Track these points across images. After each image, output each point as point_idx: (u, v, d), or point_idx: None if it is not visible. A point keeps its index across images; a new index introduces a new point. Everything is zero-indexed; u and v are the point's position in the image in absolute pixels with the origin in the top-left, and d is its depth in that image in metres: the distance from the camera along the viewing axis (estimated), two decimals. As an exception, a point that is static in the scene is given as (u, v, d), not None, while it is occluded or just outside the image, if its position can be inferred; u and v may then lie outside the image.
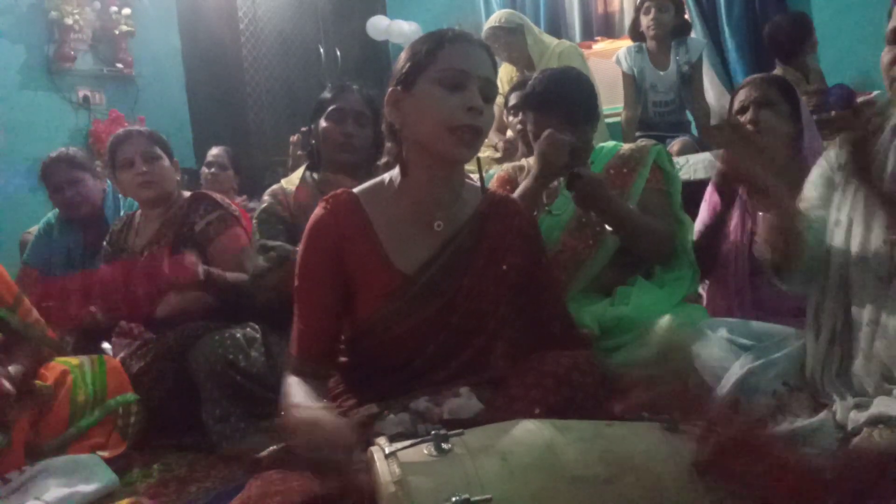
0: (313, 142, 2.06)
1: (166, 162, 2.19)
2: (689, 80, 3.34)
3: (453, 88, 1.19)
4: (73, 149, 2.80)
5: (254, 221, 2.10)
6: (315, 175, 2.08)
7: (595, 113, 1.88)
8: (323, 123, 2.00)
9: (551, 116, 1.76)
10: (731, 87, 4.12)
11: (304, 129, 2.81)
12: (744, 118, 1.87)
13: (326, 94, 2.04)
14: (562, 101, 1.78)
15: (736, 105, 1.91)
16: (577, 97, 1.81)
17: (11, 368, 1.63)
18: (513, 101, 2.59)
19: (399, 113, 1.24)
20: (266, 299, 1.90)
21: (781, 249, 1.30)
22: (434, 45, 1.21)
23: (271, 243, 1.93)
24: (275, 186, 2.11)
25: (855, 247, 1.26)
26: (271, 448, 1.18)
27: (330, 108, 2.00)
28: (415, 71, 1.21)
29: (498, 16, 3.42)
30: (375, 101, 2.06)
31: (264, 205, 2.06)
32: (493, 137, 3.34)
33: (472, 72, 1.20)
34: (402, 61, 1.25)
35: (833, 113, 2.85)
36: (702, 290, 2.06)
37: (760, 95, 1.85)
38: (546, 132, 1.69)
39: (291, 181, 2.10)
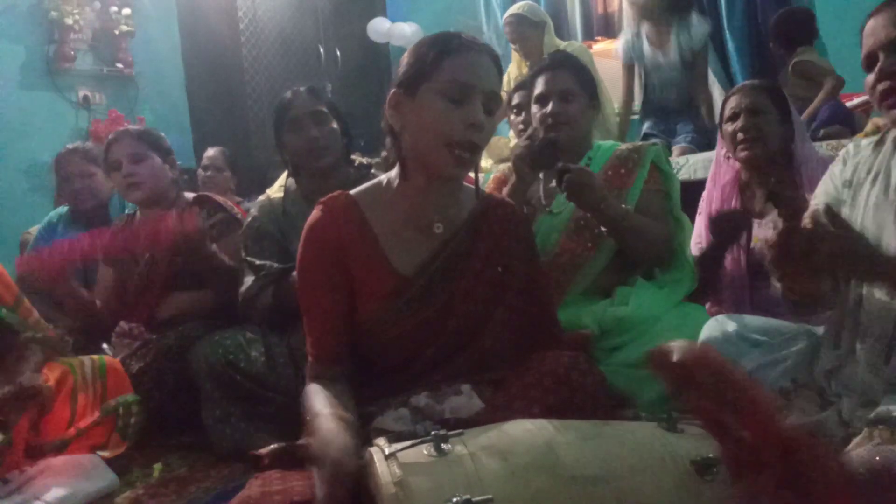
0: (284, 154, 2.03)
1: (156, 161, 2.17)
2: (692, 67, 3.29)
3: (456, 101, 1.17)
4: (89, 144, 2.90)
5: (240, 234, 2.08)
6: (297, 183, 2.06)
7: (596, 97, 1.94)
8: (287, 136, 1.99)
9: (562, 75, 1.86)
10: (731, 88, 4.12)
11: None
12: (734, 125, 1.88)
13: (281, 105, 2.02)
14: (572, 64, 1.90)
15: (727, 112, 1.92)
16: (585, 68, 1.94)
17: (9, 370, 1.62)
18: (516, 100, 2.59)
19: (400, 116, 1.22)
20: (259, 318, 1.91)
21: (809, 297, 1.29)
22: (440, 53, 1.18)
23: (258, 261, 1.93)
24: (261, 198, 2.10)
25: None
26: (271, 448, 1.18)
27: (288, 119, 1.99)
28: (419, 77, 1.19)
29: (522, 5, 3.46)
30: (326, 94, 2.08)
31: (250, 219, 2.04)
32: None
33: (477, 85, 1.18)
34: (406, 63, 1.22)
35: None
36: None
37: (751, 103, 1.86)
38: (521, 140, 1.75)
39: (275, 190, 2.09)
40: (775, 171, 1.84)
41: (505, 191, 1.72)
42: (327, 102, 2.03)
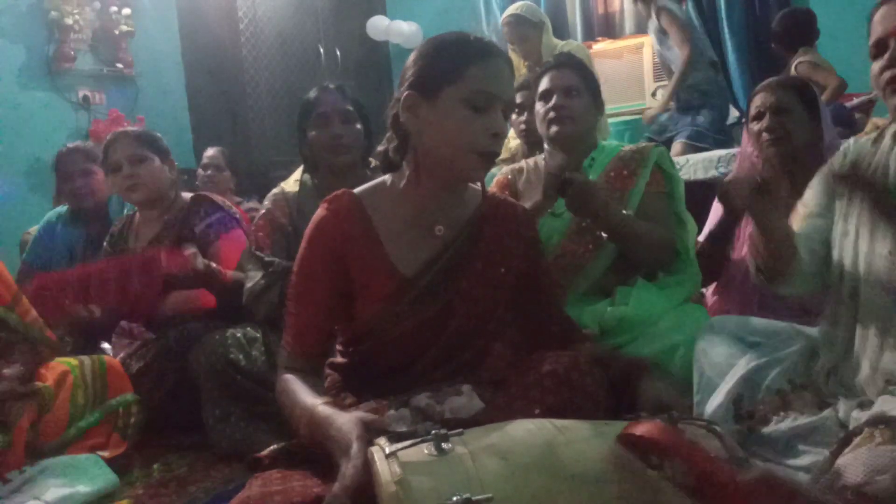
0: (305, 148, 2.05)
1: (156, 162, 2.17)
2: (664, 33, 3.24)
3: (479, 110, 1.17)
4: (89, 143, 2.92)
5: (252, 226, 2.09)
6: (313, 178, 2.07)
7: (599, 98, 1.94)
8: (311, 131, 2.00)
9: (567, 72, 1.88)
10: (730, 91, 4.10)
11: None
12: (760, 125, 1.84)
13: (309, 100, 2.04)
14: (578, 64, 1.92)
15: (752, 111, 1.88)
16: (590, 70, 1.96)
17: (8, 369, 1.63)
18: (517, 100, 2.59)
19: (416, 120, 1.20)
20: (265, 314, 1.90)
21: (770, 262, 1.32)
22: (463, 60, 1.17)
23: (267, 258, 1.93)
24: (275, 190, 2.10)
25: (862, 258, 1.26)
26: (271, 448, 1.18)
27: (315, 114, 2.00)
28: (439, 82, 1.18)
29: (521, 6, 3.44)
30: (354, 95, 2.08)
31: (263, 210, 2.05)
32: None
33: (499, 94, 1.18)
34: (421, 65, 1.21)
35: None
36: (703, 290, 2.05)
37: (777, 101, 1.81)
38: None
39: (290, 184, 2.10)
40: (802, 171, 1.80)
41: (527, 205, 1.72)
42: (354, 102, 2.04)
